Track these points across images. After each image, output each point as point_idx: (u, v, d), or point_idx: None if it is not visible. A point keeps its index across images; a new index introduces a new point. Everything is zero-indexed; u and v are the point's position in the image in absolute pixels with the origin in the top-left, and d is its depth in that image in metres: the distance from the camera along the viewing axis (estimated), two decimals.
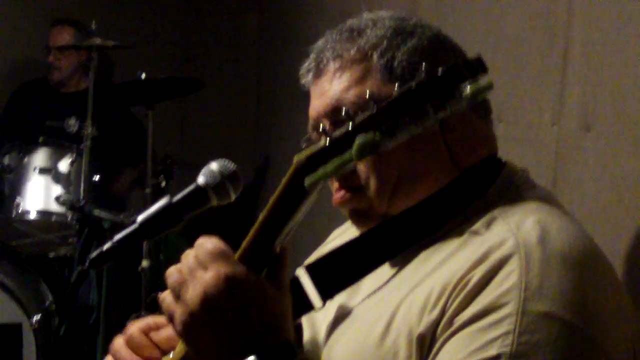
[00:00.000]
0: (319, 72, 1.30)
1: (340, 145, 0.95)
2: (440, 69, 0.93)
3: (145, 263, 3.42)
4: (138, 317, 3.28)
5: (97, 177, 3.73)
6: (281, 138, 4.30)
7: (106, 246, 1.07)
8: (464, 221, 1.19)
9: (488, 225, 1.16)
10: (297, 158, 1.00)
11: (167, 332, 1.25)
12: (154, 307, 3.35)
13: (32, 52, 4.67)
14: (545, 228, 1.12)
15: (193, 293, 0.98)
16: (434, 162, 1.24)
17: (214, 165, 1.12)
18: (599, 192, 1.82)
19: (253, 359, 0.97)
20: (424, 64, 0.96)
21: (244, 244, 1.02)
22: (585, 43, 1.89)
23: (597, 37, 1.84)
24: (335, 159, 0.94)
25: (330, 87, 1.28)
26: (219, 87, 4.87)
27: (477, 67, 0.94)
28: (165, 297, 1.03)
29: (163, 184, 3.87)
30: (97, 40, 3.62)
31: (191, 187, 1.11)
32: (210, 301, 0.97)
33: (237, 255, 1.02)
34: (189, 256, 1.02)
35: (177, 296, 1.00)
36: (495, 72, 2.14)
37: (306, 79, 1.34)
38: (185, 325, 0.99)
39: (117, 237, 1.08)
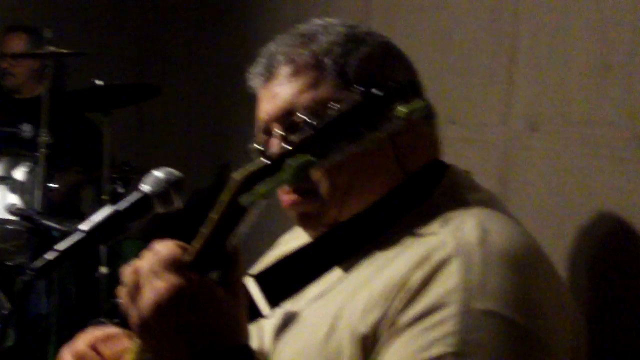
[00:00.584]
0: (270, 76, 1.31)
1: (276, 165, 0.95)
2: (375, 90, 0.94)
3: (103, 269, 3.41)
4: (97, 323, 3.27)
5: (54, 186, 3.69)
6: (241, 143, 4.30)
7: (52, 256, 1.07)
8: (407, 225, 1.21)
9: (430, 228, 1.18)
10: (235, 177, 1.00)
11: (117, 345, 1.26)
12: (113, 314, 3.34)
13: None
14: (486, 229, 1.14)
15: (146, 301, 0.98)
16: (383, 167, 1.26)
17: (158, 173, 1.13)
18: (546, 191, 1.85)
19: None
20: (357, 86, 0.98)
21: (194, 248, 1.02)
22: (531, 45, 1.92)
23: (542, 39, 1.88)
24: (270, 179, 0.95)
25: (282, 90, 1.28)
26: (176, 93, 4.86)
27: (410, 89, 0.96)
28: (123, 294, 1.03)
29: (120, 190, 3.85)
30: (52, 48, 3.59)
31: (135, 195, 1.12)
32: (162, 310, 0.98)
33: (189, 258, 1.01)
34: (144, 260, 1.02)
35: (132, 299, 1.01)
36: (445, 75, 2.18)
37: (255, 82, 1.34)
38: (139, 329, 1.00)
39: (62, 246, 1.08)
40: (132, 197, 1.11)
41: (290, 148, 0.96)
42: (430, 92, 1.41)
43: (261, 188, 0.95)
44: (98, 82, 3.56)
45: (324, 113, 1.20)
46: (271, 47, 1.33)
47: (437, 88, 1.37)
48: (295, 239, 1.44)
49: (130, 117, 4.83)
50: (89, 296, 3.61)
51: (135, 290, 1.00)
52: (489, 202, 1.25)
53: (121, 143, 4.41)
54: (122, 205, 1.10)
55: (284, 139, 1.14)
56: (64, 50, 3.64)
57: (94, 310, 3.40)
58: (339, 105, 0.97)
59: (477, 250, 1.10)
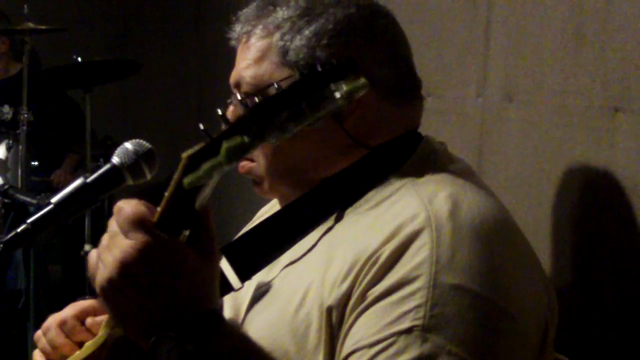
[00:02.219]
0: (238, 40, 1.30)
1: (215, 146, 0.92)
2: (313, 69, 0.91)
3: (88, 247, 3.40)
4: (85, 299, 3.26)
5: (35, 163, 3.68)
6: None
7: (20, 228, 1.06)
8: (379, 194, 1.20)
9: (401, 199, 1.16)
10: (183, 155, 0.95)
11: (101, 318, 1.24)
12: None
13: None
14: (457, 202, 1.13)
15: (111, 259, 0.95)
16: (331, 150, 1.24)
17: (128, 145, 1.12)
18: (522, 161, 1.86)
19: (173, 335, 0.96)
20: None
21: (160, 208, 0.98)
22: (506, 16, 1.92)
23: (517, 9, 1.88)
24: (208, 162, 0.92)
25: (239, 60, 1.28)
26: (158, 69, 4.84)
27: (347, 67, 0.91)
28: (91, 256, 1.00)
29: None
30: (30, 24, 3.55)
31: (106, 167, 1.11)
32: (127, 268, 0.94)
33: (155, 218, 0.98)
34: (112, 221, 1.00)
35: (100, 259, 0.98)
36: (422, 47, 2.17)
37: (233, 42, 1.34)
38: (103, 289, 0.97)
39: (31, 218, 1.07)
40: (102, 169, 1.11)
41: (225, 129, 0.92)
42: None
43: (200, 170, 0.92)
44: (78, 58, 3.53)
45: (265, 90, 1.20)
46: (245, 11, 1.31)
47: (413, 61, 1.35)
48: (271, 210, 1.43)
49: (113, 94, 4.80)
50: (74, 274, 3.61)
51: (103, 250, 0.97)
52: (463, 173, 1.24)
53: (105, 120, 4.40)
54: (91, 176, 1.10)
55: (241, 104, 1.11)
56: (42, 27, 3.61)
57: (79, 288, 3.40)
58: (281, 84, 0.94)
59: (447, 224, 1.10)
